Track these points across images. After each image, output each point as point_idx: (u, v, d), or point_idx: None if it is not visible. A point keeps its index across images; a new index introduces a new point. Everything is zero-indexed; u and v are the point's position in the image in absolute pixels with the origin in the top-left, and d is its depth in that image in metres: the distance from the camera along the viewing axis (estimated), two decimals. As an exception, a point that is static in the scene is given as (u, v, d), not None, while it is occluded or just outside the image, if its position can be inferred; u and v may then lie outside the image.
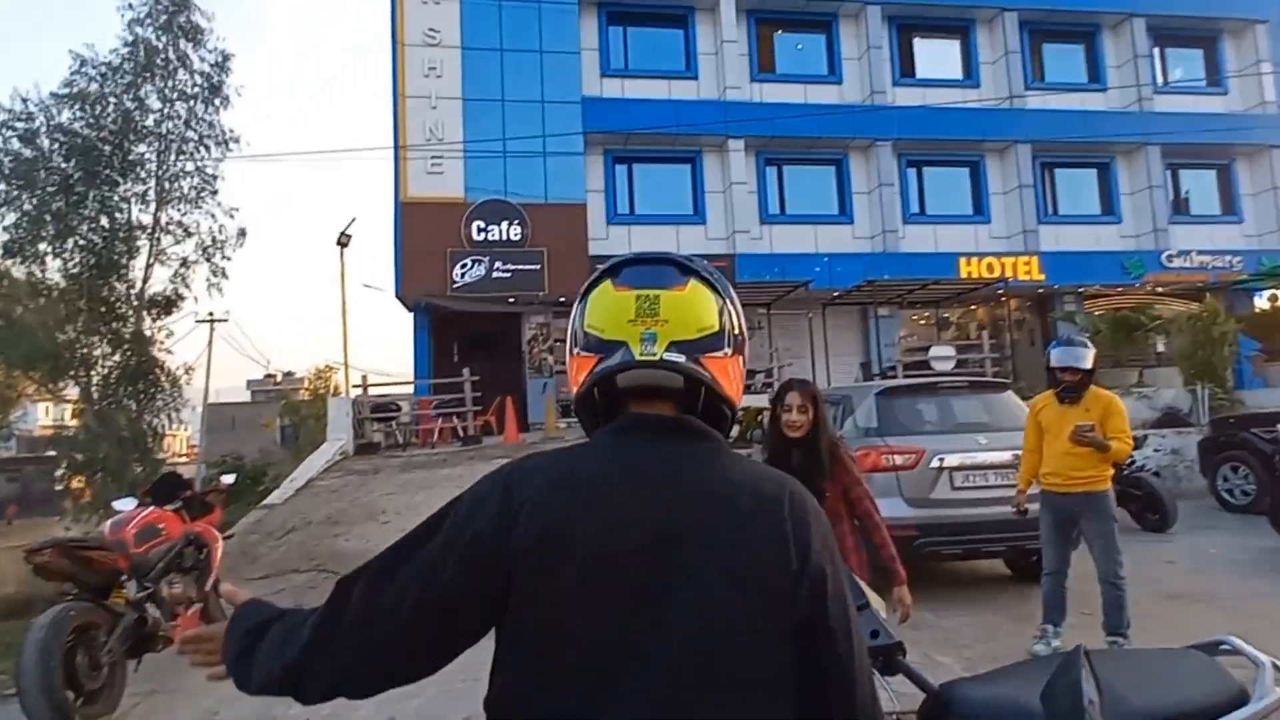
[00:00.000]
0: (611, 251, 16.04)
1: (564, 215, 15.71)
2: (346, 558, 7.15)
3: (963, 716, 1.74)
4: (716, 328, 0.97)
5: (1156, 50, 18.92)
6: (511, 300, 15.87)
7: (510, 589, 0.90)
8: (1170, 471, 9.84)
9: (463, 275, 15.21)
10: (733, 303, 1.01)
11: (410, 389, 16.19)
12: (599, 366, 0.96)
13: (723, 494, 0.92)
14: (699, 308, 0.97)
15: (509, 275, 15.36)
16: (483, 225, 15.41)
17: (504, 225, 15.44)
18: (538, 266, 15.40)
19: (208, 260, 21.95)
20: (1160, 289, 17.68)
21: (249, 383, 59.29)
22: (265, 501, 9.64)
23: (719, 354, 0.97)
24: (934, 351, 14.57)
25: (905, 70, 18.06)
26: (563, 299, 16.26)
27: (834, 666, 0.90)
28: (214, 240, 21.93)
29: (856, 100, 17.39)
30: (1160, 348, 15.82)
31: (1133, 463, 7.89)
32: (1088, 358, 4.39)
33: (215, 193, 21.82)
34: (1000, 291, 16.57)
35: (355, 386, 16.18)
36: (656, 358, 0.93)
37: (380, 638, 0.94)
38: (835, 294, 15.85)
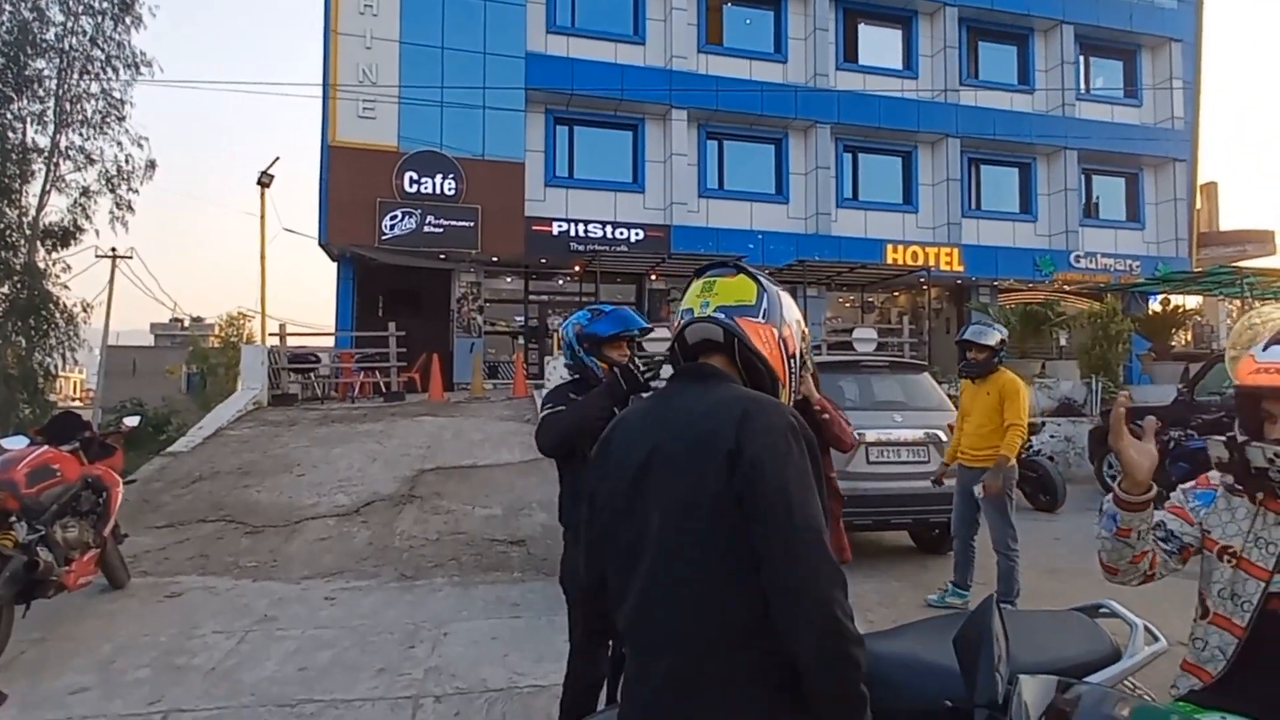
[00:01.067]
0: (548, 213, 15.84)
1: (501, 173, 15.34)
2: (258, 509, 6.91)
3: (870, 668, 1.86)
4: (752, 302, 1.40)
5: (1082, 58, 19.81)
6: (442, 256, 15.46)
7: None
8: (1063, 457, 10.54)
9: (392, 227, 14.70)
10: (774, 297, 1.43)
11: (331, 341, 15.65)
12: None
13: (703, 412, 1.25)
14: (741, 289, 1.42)
15: (441, 230, 14.94)
16: (415, 177, 14.90)
17: (438, 178, 14.97)
18: (471, 224, 15.03)
19: (112, 191, 20.60)
20: (1067, 287, 18.71)
21: (153, 325, 56.08)
22: (171, 449, 9.17)
23: (751, 318, 1.38)
24: (857, 333, 15.05)
25: (848, 55, 18.30)
26: (495, 258, 15.94)
27: (771, 537, 1.13)
28: (119, 170, 20.58)
29: (800, 81, 17.54)
30: (1063, 342, 16.78)
31: (1030, 447, 8.41)
32: (989, 336, 4.71)
33: (123, 119, 20.45)
34: (922, 280, 17.20)
35: (272, 335, 15.47)
36: (706, 315, 1.38)
37: None
38: (767, 271, 16.09)
